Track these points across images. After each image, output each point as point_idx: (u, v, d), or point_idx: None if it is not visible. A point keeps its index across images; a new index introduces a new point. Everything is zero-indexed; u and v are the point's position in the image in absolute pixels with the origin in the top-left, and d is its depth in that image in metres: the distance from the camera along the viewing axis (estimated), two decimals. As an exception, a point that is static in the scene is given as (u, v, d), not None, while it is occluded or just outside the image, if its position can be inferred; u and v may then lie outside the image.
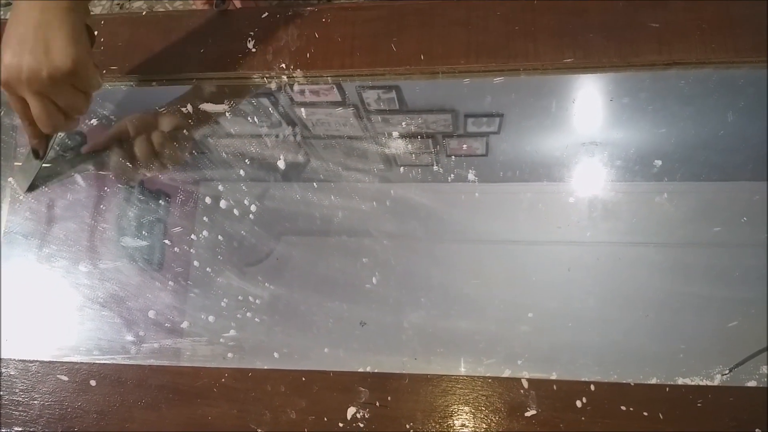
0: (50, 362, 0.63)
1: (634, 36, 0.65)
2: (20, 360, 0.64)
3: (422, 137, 0.69)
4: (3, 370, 0.63)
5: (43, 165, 0.70)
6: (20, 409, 0.62)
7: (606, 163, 0.64)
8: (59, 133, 0.71)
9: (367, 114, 0.71)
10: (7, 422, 0.61)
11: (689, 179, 0.63)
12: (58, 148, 0.73)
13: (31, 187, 0.72)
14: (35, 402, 0.62)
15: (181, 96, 0.73)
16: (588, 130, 0.67)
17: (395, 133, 0.69)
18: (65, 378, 0.62)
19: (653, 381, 0.54)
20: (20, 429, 0.61)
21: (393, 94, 0.70)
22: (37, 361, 0.63)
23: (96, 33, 0.65)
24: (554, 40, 0.66)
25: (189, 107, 0.72)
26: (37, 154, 0.69)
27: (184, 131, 0.71)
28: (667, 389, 0.53)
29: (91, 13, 0.66)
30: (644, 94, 0.66)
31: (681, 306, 0.57)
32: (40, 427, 0.60)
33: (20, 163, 0.72)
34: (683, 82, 0.64)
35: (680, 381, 0.54)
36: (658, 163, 0.63)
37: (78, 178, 0.72)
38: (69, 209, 0.71)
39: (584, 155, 0.65)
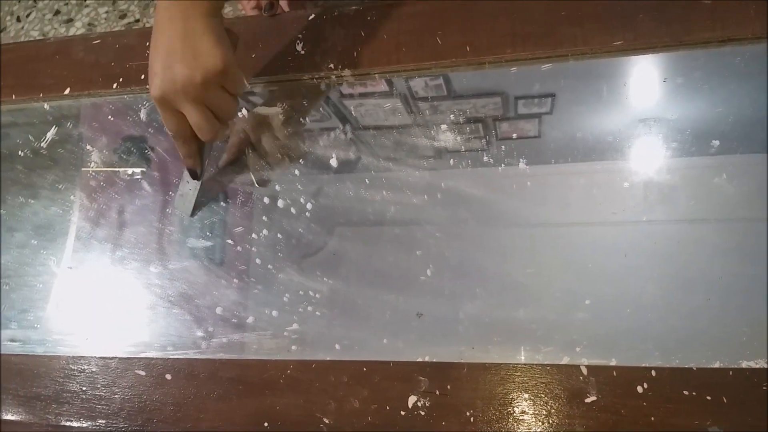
0: (128, 358, 0.67)
1: (685, 14, 0.63)
2: (101, 357, 0.68)
3: (472, 122, 0.69)
4: (85, 367, 0.68)
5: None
6: (102, 403, 0.66)
7: (662, 144, 0.63)
8: (211, 150, 0.70)
9: (415, 102, 0.71)
10: (91, 416, 0.65)
11: (748, 158, 0.61)
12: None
13: (195, 210, 0.71)
14: (116, 396, 0.66)
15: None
16: (642, 111, 0.65)
17: (444, 120, 0.69)
18: (143, 373, 0.66)
19: (716, 365, 0.53)
20: (104, 422, 0.65)
21: (440, 81, 0.70)
22: (116, 357, 0.68)
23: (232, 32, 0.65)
24: (602, 24, 0.65)
25: (244, 111, 0.74)
26: (195, 174, 0.68)
27: (287, 119, 0.70)
28: (731, 373, 0.53)
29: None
30: (699, 73, 0.64)
31: (743, 288, 0.56)
32: (121, 420, 0.64)
33: (178, 191, 0.71)
34: (739, 58, 0.62)
35: (744, 364, 0.53)
36: (716, 143, 0.61)
37: (144, 183, 0.76)
38: (137, 214, 0.75)
39: (639, 136, 0.64)
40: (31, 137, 0.83)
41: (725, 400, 0.52)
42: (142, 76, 0.78)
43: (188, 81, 0.58)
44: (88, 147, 0.80)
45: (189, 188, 0.71)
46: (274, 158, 0.70)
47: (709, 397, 0.52)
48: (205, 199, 0.72)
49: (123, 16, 1.47)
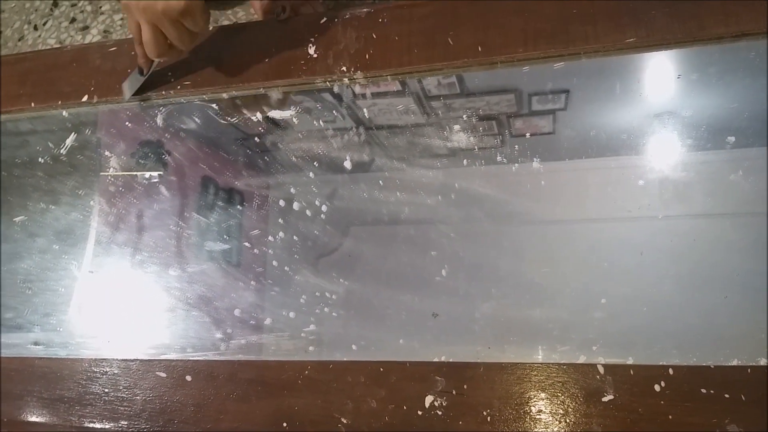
0: (149, 360, 0.68)
1: (698, 9, 0.63)
2: (122, 359, 0.69)
3: (485, 120, 0.69)
4: (107, 370, 0.69)
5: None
6: (125, 404, 0.67)
7: (677, 140, 0.63)
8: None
9: (428, 102, 0.71)
10: (113, 417, 0.66)
11: (765, 153, 0.60)
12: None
13: (135, 95, 0.79)
14: (137, 398, 0.67)
15: (250, 105, 0.77)
16: (656, 107, 0.65)
17: (457, 119, 0.69)
18: (163, 374, 0.67)
19: (734, 363, 0.53)
20: (126, 423, 0.66)
21: (453, 79, 0.70)
22: (137, 359, 0.69)
23: None
24: (614, 21, 0.65)
25: (258, 115, 0.75)
26: (141, 71, 0.77)
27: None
28: (749, 370, 0.52)
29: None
30: (713, 69, 0.63)
31: (761, 284, 0.56)
32: (143, 421, 0.65)
33: (128, 76, 0.79)
34: (753, 53, 0.62)
35: (763, 362, 0.52)
36: (731, 139, 0.61)
37: (162, 188, 0.77)
38: (155, 218, 0.76)
39: (654, 132, 0.64)
40: (50, 144, 0.84)
41: (744, 398, 0.51)
42: (158, 87, 0.79)
43: (150, 6, 0.65)
44: (107, 153, 0.82)
45: (136, 79, 0.79)
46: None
47: (727, 396, 0.52)
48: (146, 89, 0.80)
49: (138, 23, 1.49)
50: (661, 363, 0.54)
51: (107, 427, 0.66)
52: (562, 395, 0.56)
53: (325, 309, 0.66)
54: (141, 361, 0.68)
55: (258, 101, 0.76)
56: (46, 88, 0.85)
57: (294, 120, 0.74)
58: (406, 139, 0.71)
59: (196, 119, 0.79)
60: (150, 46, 0.69)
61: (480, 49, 0.68)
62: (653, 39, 0.64)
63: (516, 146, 0.67)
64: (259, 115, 0.75)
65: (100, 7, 1.65)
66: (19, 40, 1.74)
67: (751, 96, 0.62)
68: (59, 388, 0.69)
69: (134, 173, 0.79)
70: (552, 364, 0.57)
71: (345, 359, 0.62)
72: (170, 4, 0.64)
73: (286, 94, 0.75)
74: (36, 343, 0.73)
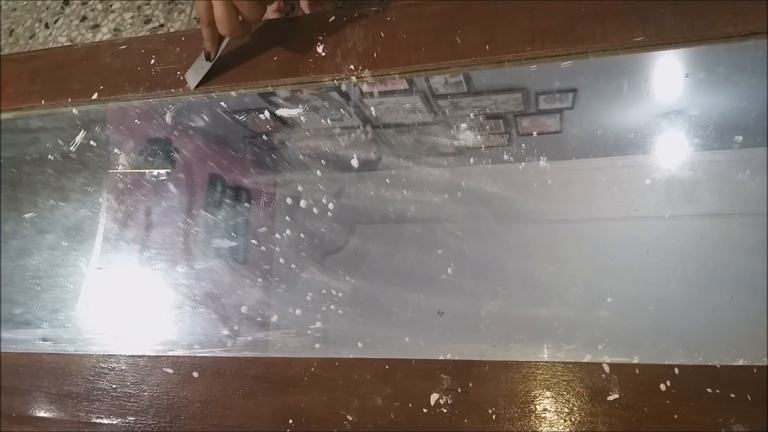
0: (156, 356, 0.69)
1: (707, 8, 0.63)
2: (129, 355, 0.69)
3: (492, 119, 0.69)
4: (115, 366, 0.70)
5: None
6: (132, 400, 0.67)
7: (685, 139, 0.63)
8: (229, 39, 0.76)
9: (435, 100, 0.72)
10: (121, 413, 0.67)
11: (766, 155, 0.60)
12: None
13: (199, 85, 0.78)
14: (145, 393, 0.67)
15: (258, 103, 0.77)
16: (664, 106, 0.65)
17: (464, 117, 0.69)
18: (170, 370, 0.67)
19: (740, 362, 0.53)
20: (133, 419, 0.66)
21: (460, 78, 0.71)
22: (144, 356, 0.69)
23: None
24: (622, 20, 0.65)
25: (266, 113, 0.75)
26: (209, 56, 0.75)
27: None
28: (755, 370, 0.52)
29: (171, 30, 0.71)
30: (721, 68, 0.63)
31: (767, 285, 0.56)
32: (150, 417, 0.66)
33: (193, 65, 0.79)
34: (762, 52, 0.62)
35: (769, 362, 0.52)
36: (739, 138, 0.60)
37: (170, 185, 0.78)
38: (163, 215, 0.77)
39: (661, 131, 0.63)
40: (60, 141, 0.85)
41: (750, 398, 0.51)
42: (167, 84, 0.79)
43: None
44: (115, 150, 0.82)
45: (201, 66, 0.77)
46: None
47: (733, 395, 0.52)
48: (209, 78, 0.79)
49: (148, 21, 1.50)
50: (666, 362, 0.54)
51: (114, 422, 0.66)
52: (567, 394, 0.56)
53: (332, 306, 0.66)
54: (148, 357, 0.69)
55: (266, 99, 0.77)
56: (56, 86, 0.86)
57: (301, 118, 0.74)
58: (413, 137, 0.71)
59: (204, 117, 0.79)
60: (223, 22, 0.68)
61: (487, 47, 0.69)
62: (661, 38, 0.64)
63: (523, 145, 0.67)
64: (266, 113, 0.75)
65: (111, 6, 1.66)
66: (31, 38, 1.75)
67: (759, 95, 0.62)
68: (67, 383, 0.70)
69: (142, 170, 0.79)
70: (557, 362, 0.57)
71: (351, 356, 0.63)
72: None
73: (293, 92, 0.76)
74: (44, 339, 0.74)
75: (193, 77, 0.78)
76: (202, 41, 0.74)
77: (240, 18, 0.69)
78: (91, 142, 0.83)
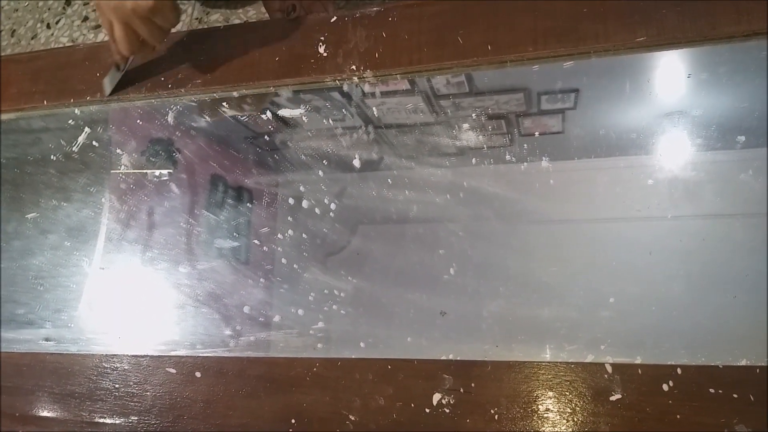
0: (159, 356, 0.69)
1: (709, 8, 0.62)
2: (132, 355, 0.70)
3: (494, 119, 0.69)
4: (118, 365, 0.70)
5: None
6: (135, 400, 0.67)
7: (687, 140, 0.63)
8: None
9: (437, 100, 0.72)
10: (124, 412, 0.67)
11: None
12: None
13: (113, 92, 0.81)
14: (148, 393, 0.67)
15: (260, 103, 0.77)
16: (667, 107, 0.65)
17: (466, 118, 0.69)
18: (173, 370, 0.67)
19: (743, 362, 0.53)
20: (136, 418, 0.66)
21: (462, 78, 0.71)
22: (147, 356, 0.69)
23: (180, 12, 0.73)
24: (625, 20, 0.65)
25: (268, 114, 0.75)
26: (118, 67, 0.79)
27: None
28: (758, 370, 0.52)
29: (173, 30, 0.72)
30: (724, 69, 0.63)
31: (771, 285, 0.56)
32: (153, 417, 0.66)
33: (106, 73, 0.82)
34: (764, 53, 0.62)
35: (772, 362, 0.52)
36: (741, 138, 0.60)
37: (172, 186, 0.78)
38: (165, 215, 0.77)
39: (664, 132, 0.63)
40: (63, 141, 0.85)
41: (752, 398, 0.51)
42: (169, 85, 0.79)
43: (120, 4, 0.67)
44: (118, 150, 0.82)
45: (114, 75, 0.81)
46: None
47: (735, 395, 0.52)
48: (124, 85, 0.81)
49: (149, 21, 1.50)
50: (669, 362, 0.54)
51: (117, 422, 0.67)
52: (569, 394, 0.56)
53: (334, 306, 0.66)
54: (151, 357, 0.69)
55: (268, 99, 0.77)
56: (58, 86, 0.86)
57: (303, 118, 0.74)
58: (415, 137, 0.71)
59: (206, 117, 0.79)
60: (122, 44, 0.71)
61: (489, 48, 0.68)
62: (664, 38, 0.63)
63: (525, 145, 0.67)
64: (268, 114, 0.75)
65: (112, 6, 1.66)
66: (32, 38, 1.75)
67: (762, 96, 0.62)
68: (70, 383, 0.70)
69: (145, 171, 0.79)
70: (560, 362, 0.57)
71: (353, 356, 0.63)
72: (139, 3, 0.66)
73: (295, 93, 0.76)
74: (47, 339, 0.74)
75: (108, 85, 0.81)
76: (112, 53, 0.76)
77: (141, 38, 0.71)
78: (94, 143, 0.84)
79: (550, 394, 0.56)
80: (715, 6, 0.63)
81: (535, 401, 0.56)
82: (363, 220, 0.70)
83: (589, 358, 0.57)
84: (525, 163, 0.66)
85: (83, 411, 0.68)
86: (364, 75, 0.72)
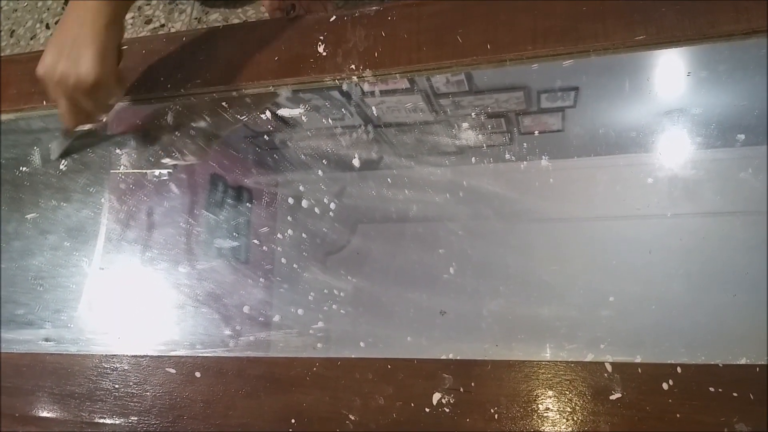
0: (159, 356, 0.69)
1: (709, 7, 0.63)
2: (132, 355, 0.70)
3: (494, 118, 0.69)
4: (117, 366, 0.70)
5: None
6: (135, 400, 0.67)
7: (687, 138, 0.63)
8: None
9: (437, 99, 0.72)
10: (124, 413, 0.67)
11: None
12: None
13: (61, 156, 0.84)
14: (147, 393, 0.67)
15: (260, 102, 0.77)
16: (666, 105, 0.65)
17: (466, 117, 0.69)
18: (173, 371, 0.68)
19: (743, 361, 0.53)
20: (136, 419, 0.66)
21: (462, 77, 0.71)
22: (147, 356, 0.69)
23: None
24: (624, 19, 0.65)
25: (267, 113, 0.75)
26: (66, 133, 0.81)
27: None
28: (758, 369, 0.52)
29: (172, 30, 0.71)
30: (723, 66, 0.63)
31: (770, 284, 0.56)
32: (153, 417, 0.66)
33: (57, 138, 0.84)
34: (764, 51, 0.62)
35: (772, 361, 0.52)
36: (741, 136, 0.60)
37: (172, 186, 0.78)
38: (165, 215, 0.77)
39: (663, 130, 0.63)
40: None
41: (752, 397, 0.51)
42: (168, 85, 0.79)
43: (63, 79, 0.67)
44: (117, 150, 0.82)
45: (62, 140, 0.83)
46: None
47: (735, 394, 0.52)
48: (72, 150, 0.84)
49: (148, 22, 1.50)
50: (669, 361, 0.54)
51: (117, 422, 0.67)
52: (569, 393, 0.56)
53: (334, 306, 0.66)
54: (151, 357, 0.69)
55: (268, 99, 0.77)
56: (57, 87, 0.86)
57: (303, 118, 0.74)
58: (415, 136, 0.71)
59: (206, 117, 0.79)
60: (66, 118, 0.72)
61: (489, 46, 0.69)
62: (663, 36, 0.64)
63: (525, 144, 0.67)
64: (268, 113, 0.75)
65: (111, 6, 1.66)
66: (32, 38, 1.75)
67: (761, 94, 0.62)
68: (70, 383, 0.70)
69: (144, 171, 0.79)
70: (560, 362, 0.57)
71: (353, 356, 0.63)
72: (81, 79, 0.66)
73: (294, 92, 0.76)
74: (47, 340, 0.74)
75: (56, 149, 0.84)
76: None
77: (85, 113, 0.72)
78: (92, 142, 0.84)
79: (550, 393, 0.56)
80: (714, 4, 0.63)
81: (535, 400, 0.56)
82: (363, 220, 0.70)
83: (589, 357, 0.57)
84: (525, 162, 0.66)
85: (83, 411, 0.68)
86: (364, 74, 0.72)
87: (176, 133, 0.80)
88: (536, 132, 0.68)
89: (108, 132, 0.84)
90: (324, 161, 0.72)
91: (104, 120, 0.81)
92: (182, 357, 0.68)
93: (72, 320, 0.75)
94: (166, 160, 0.79)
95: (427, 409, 0.58)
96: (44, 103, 0.85)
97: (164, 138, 0.81)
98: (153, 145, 0.80)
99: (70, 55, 0.67)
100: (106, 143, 0.84)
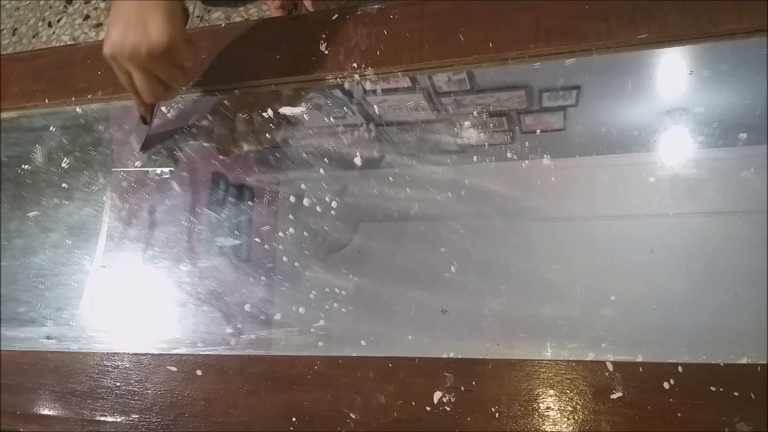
0: (160, 354, 0.69)
1: (711, 6, 0.62)
2: (133, 353, 0.70)
3: (496, 116, 0.69)
4: (119, 364, 0.70)
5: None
6: (136, 398, 0.68)
7: (689, 137, 0.62)
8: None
9: (439, 98, 0.72)
10: (125, 411, 0.67)
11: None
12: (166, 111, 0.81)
13: (143, 147, 0.80)
14: (149, 391, 0.67)
15: (261, 101, 0.77)
16: (668, 104, 0.65)
17: (468, 115, 0.69)
18: (174, 369, 0.68)
19: (744, 361, 0.53)
20: (137, 416, 0.67)
21: (463, 75, 0.71)
22: (148, 354, 0.69)
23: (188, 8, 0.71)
24: (626, 17, 0.65)
25: (269, 112, 0.75)
26: (144, 120, 0.77)
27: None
28: (759, 369, 0.52)
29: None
30: (725, 65, 0.63)
31: (772, 283, 0.56)
32: (154, 415, 0.66)
33: (133, 129, 0.80)
34: (766, 49, 0.61)
35: (773, 360, 0.52)
36: (743, 136, 0.60)
37: (173, 184, 0.78)
38: (166, 213, 0.77)
39: (665, 129, 0.63)
40: (64, 140, 0.85)
41: (753, 397, 0.51)
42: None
43: (135, 50, 0.64)
44: (119, 148, 0.82)
45: (141, 129, 0.79)
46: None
47: (736, 394, 0.52)
48: (154, 140, 0.81)
49: (150, 19, 1.50)
50: (670, 360, 0.54)
51: (119, 420, 0.67)
52: (570, 392, 0.56)
53: (335, 305, 0.66)
54: (152, 355, 0.69)
55: (270, 97, 0.77)
56: (60, 85, 0.86)
57: (305, 116, 0.74)
58: (416, 135, 0.71)
59: (207, 115, 0.79)
60: (146, 92, 0.68)
61: (491, 45, 0.69)
62: (665, 35, 0.64)
63: (526, 143, 0.67)
64: (270, 111, 0.75)
65: (113, 5, 1.67)
66: (34, 36, 1.75)
67: (763, 93, 0.62)
68: (71, 381, 0.70)
69: (146, 169, 0.79)
70: (561, 361, 0.57)
71: (354, 355, 0.63)
72: (154, 45, 0.64)
73: (296, 91, 0.76)
74: (48, 337, 0.74)
75: (136, 141, 0.80)
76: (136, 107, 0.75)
77: (163, 83, 0.69)
78: (95, 141, 0.84)
79: (551, 392, 0.56)
80: (716, 3, 0.63)
81: (536, 399, 0.56)
82: (364, 218, 0.70)
83: (590, 356, 0.57)
84: (526, 161, 0.66)
85: (84, 409, 0.68)
86: (366, 73, 0.72)
87: (178, 131, 0.80)
88: (538, 131, 0.68)
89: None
90: (326, 159, 0.72)
91: (184, 88, 0.78)
92: (183, 355, 0.68)
93: (73, 318, 0.75)
94: (168, 158, 0.79)
95: (428, 408, 0.58)
96: (46, 101, 0.86)
97: (166, 136, 0.81)
98: (155, 143, 0.80)
99: (137, 25, 0.64)
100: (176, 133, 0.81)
